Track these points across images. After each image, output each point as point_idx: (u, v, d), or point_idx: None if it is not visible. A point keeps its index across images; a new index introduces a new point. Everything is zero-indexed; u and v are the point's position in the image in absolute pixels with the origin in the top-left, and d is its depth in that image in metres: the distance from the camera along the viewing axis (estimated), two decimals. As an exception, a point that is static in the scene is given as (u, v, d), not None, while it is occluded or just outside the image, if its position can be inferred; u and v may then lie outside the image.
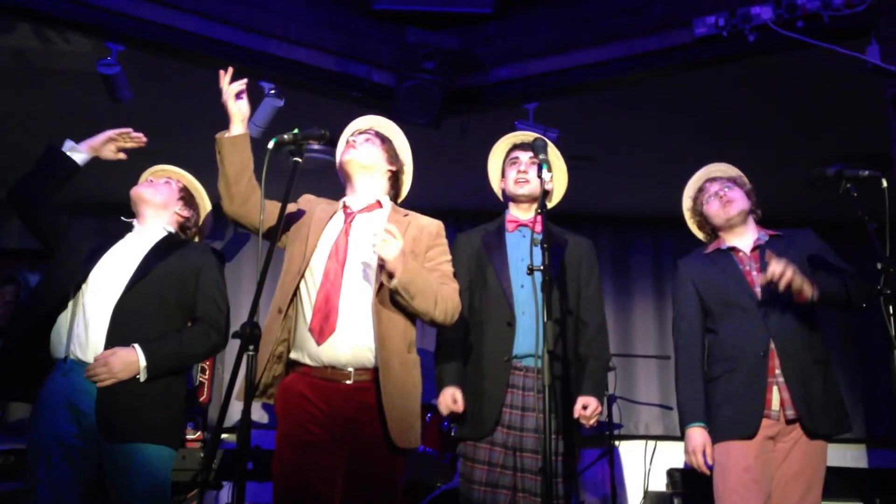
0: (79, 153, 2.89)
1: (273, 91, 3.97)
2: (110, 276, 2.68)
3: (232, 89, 2.59)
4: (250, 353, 2.04)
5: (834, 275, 2.80)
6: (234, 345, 2.07)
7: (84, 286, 2.67)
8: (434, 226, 2.73)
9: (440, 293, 2.55)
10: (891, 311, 2.39)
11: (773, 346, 2.77)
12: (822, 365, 2.80)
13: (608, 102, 4.61)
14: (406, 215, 2.73)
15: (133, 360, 2.56)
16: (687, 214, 3.15)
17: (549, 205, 3.10)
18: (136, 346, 2.58)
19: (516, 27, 4.16)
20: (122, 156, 2.99)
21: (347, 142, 2.78)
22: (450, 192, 5.70)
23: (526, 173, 3.01)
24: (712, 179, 3.08)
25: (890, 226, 2.48)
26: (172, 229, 2.94)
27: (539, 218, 2.87)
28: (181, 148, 5.34)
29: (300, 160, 2.40)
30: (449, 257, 2.73)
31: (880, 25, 3.48)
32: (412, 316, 2.58)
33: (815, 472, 2.75)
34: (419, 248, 2.64)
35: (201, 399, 4.98)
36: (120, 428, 2.54)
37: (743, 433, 2.72)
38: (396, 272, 2.41)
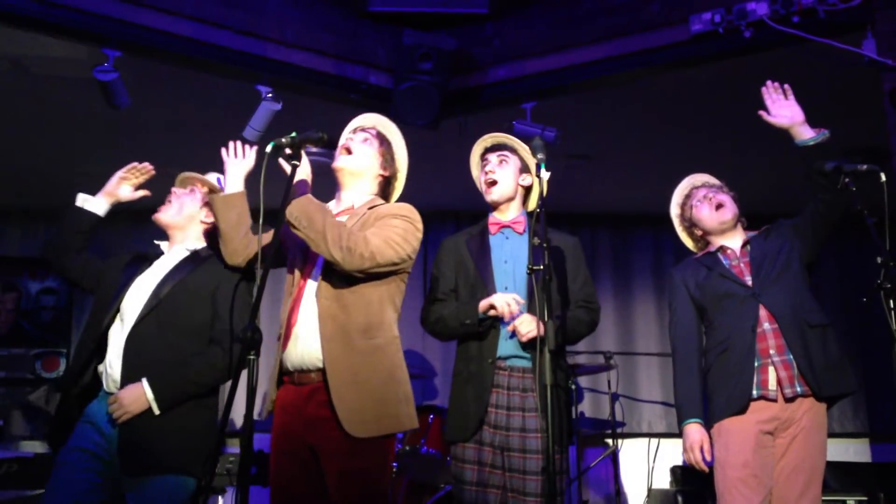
0: (96, 203, 2.92)
1: (270, 94, 3.97)
2: (132, 307, 2.68)
3: (233, 149, 2.65)
4: (251, 357, 2.04)
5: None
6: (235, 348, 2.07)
7: (118, 316, 2.68)
8: (391, 206, 2.65)
9: (343, 231, 2.42)
10: (891, 306, 2.39)
11: (766, 325, 2.80)
12: (820, 328, 2.82)
13: (606, 100, 4.61)
14: (372, 207, 2.64)
15: (140, 393, 2.53)
16: (675, 222, 3.19)
17: (532, 204, 3.10)
18: (144, 380, 2.56)
19: (512, 27, 4.16)
20: (142, 193, 3.01)
21: (345, 141, 2.72)
22: (449, 193, 5.70)
23: (493, 172, 2.99)
24: (697, 187, 3.13)
25: (889, 220, 2.48)
26: (199, 244, 2.89)
27: (524, 218, 2.90)
28: (179, 152, 5.35)
29: (298, 163, 2.40)
30: (394, 224, 2.55)
31: (876, 19, 3.49)
32: (382, 294, 2.53)
33: (815, 467, 2.76)
34: (367, 227, 2.55)
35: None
36: (137, 461, 2.53)
37: (734, 408, 2.75)
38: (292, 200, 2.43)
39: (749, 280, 2.89)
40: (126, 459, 2.52)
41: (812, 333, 2.79)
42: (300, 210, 2.41)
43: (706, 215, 3.04)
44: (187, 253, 2.85)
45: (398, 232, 2.53)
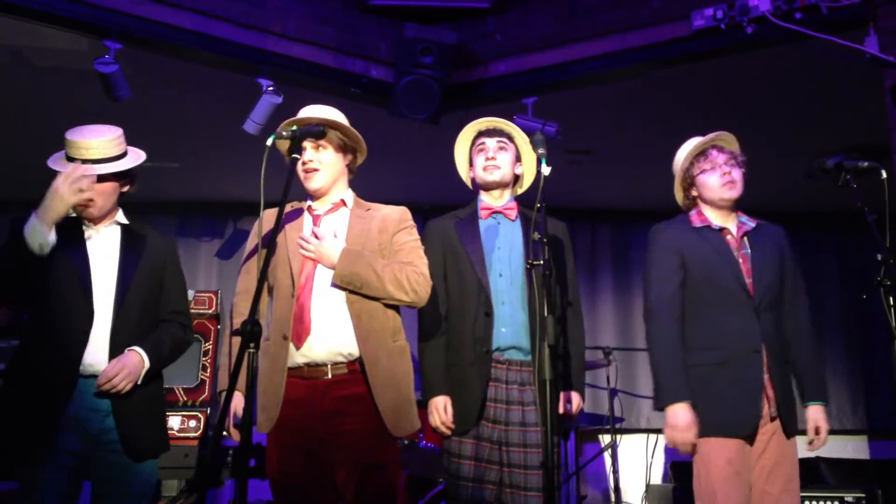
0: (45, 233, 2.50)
1: (271, 88, 3.96)
2: (102, 290, 2.65)
3: None
4: (251, 350, 2.04)
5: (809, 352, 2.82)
6: (233, 342, 2.08)
7: (89, 302, 2.63)
8: (397, 212, 2.71)
9: (398, 274, 2.54)
10: (891, 303, 2.39)
11: (763, 347, 2.70)
12: (789, 365, 2.79)
13: (607, 96, 4.61)
14: (368, 209, 2.71)
15: (139, 360, 2.61)
16: (678, 175, 2.94)
17: (520, 190, 3.09)
18: (136, 348, 2.62)
19: (514, 21, 4.16)
20: (85, 195, 2.58)
21: (303, 163, 2.60)
22: (449, 188, 5.68)
23: (494, 160, 2.95)
24: (720, 148, 2.87)
25: (889, 217, 2.48)
26: (122, 218, 2.79)
27: (515, 204, 2.87)
28: (179, 145, 5.35)
29: (299, 157, 2.40)
30: (415, 236, 2.71)
31: (879, 16, 3.49)
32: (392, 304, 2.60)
33: (794, 464, 2.71)
34: (386, 236, 2.64)
35: (202, 397, 4.99)
36: (142, 447, 2.62)
37: (740, 433, 2.64)
38: (334, 268, 2.49)
39: (751, 284, 2.74)
40: (130, 445, 2.59)
41: (786, 369, 2.75)
42: (350, 276, 2.50)
43: (714, 186, 2.82)
44: (120, 228, 2.78)
45: (420, 244, 2.71)
